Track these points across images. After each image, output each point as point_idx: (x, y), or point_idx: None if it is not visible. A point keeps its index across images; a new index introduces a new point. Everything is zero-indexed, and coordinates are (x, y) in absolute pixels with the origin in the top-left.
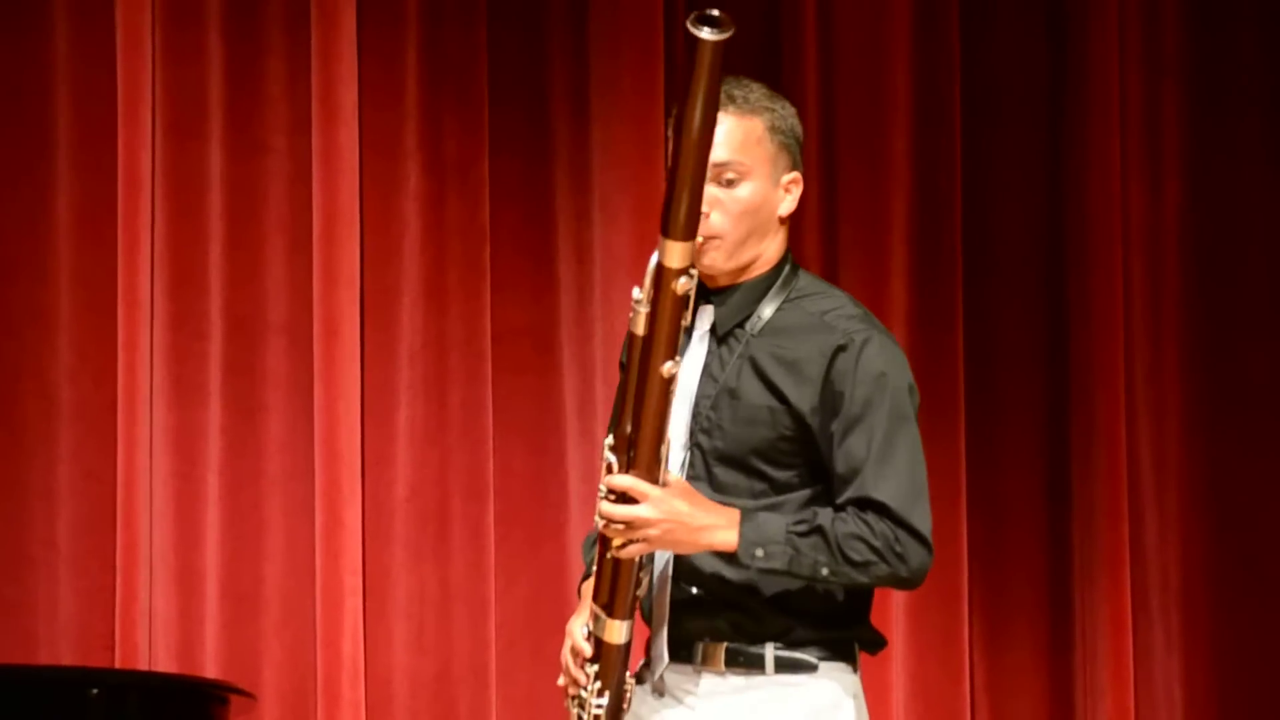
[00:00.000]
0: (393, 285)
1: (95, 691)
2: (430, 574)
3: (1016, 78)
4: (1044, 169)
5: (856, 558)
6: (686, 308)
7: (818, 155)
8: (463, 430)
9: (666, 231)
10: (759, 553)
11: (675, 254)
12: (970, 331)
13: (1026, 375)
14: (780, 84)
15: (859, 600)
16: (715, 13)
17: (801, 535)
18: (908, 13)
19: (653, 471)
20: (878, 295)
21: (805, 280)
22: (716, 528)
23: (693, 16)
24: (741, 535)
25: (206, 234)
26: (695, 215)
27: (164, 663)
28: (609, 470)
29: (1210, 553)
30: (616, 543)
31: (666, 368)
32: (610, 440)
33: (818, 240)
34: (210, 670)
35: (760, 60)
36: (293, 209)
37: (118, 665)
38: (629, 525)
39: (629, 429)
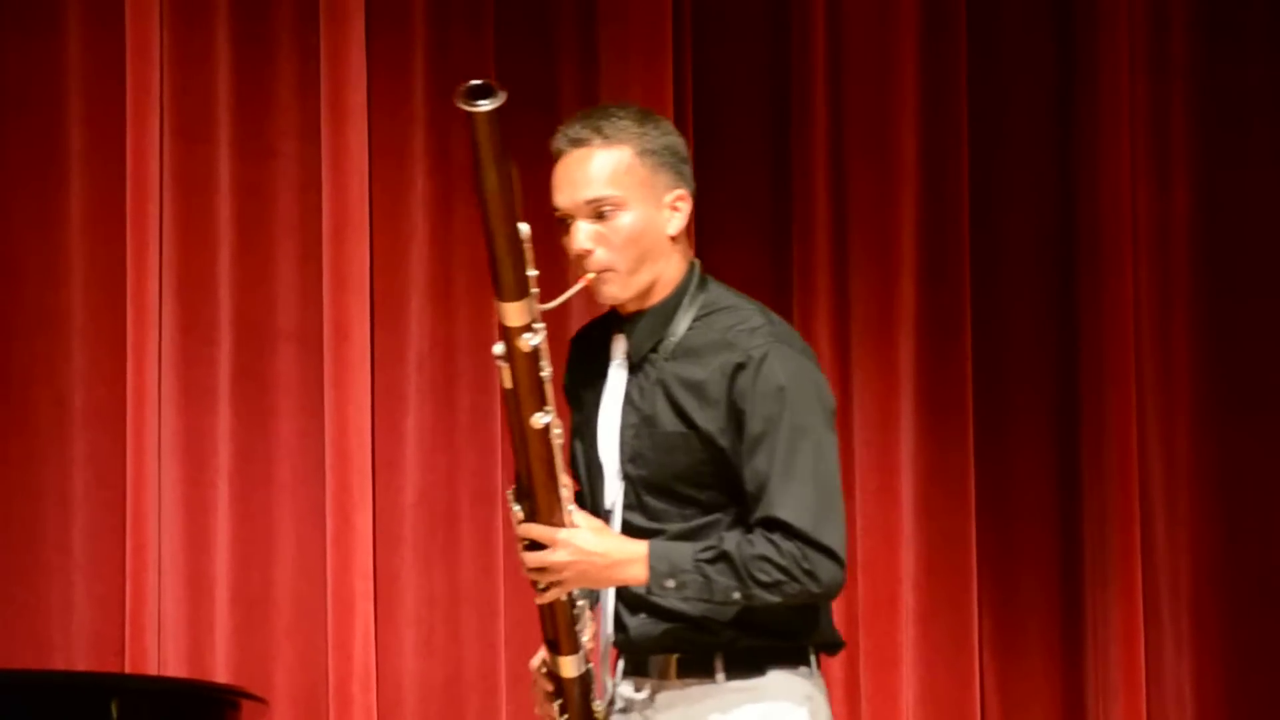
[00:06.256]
0: (402, 290)
1: (107, 697)
2: (440, 578)
3: (1025, 81)
4: (1053, 173)
5: (765, 579)
6: (540, 360)
7: (826, 159)
8: (472, 434)
9: (498, 294)
10: (669, 584)
11: (511, 314)
12: (979, 334)
13: (1036, 378)
14: (789, 88)
15: (809, 604)
16: (480, 82)
17: (709, 562)
18: (915, 16)
19: (554, 515)
20: (886, 298)
21: (715, 293)
22: (626, 563)
23: (460, 91)
24: (650, 568)
25: (215, 239)
26: (520, 274)
27: (174, 668)
28: (517, 520)
29: (1221, 555)
30: (540, 587)
31: (536, 419)
32: (511, 491)
33: (827, 244)
34: (221, 675)
35: (768, 65)
36: (302, 214)
37: (128, 670)
38: (543, 570)
39: (523, 480)
